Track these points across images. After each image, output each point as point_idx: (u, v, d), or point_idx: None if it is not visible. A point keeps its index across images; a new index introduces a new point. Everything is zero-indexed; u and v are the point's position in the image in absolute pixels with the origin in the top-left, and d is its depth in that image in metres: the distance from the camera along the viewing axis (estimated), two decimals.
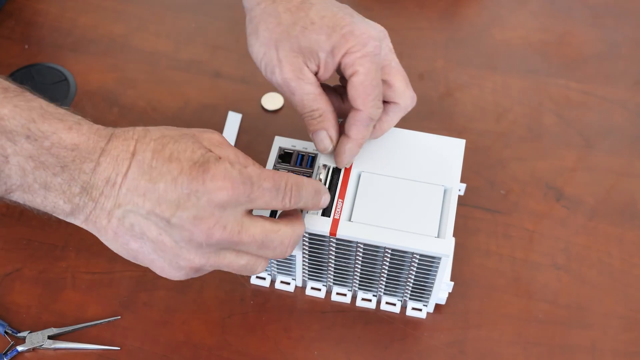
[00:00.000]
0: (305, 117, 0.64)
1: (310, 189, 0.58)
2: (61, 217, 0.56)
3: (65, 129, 0.53)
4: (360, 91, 0.62)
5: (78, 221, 0.56)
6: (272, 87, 0.83)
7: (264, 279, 0.70)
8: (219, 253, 0.56)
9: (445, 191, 0.65)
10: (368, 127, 0.64)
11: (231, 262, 0.57)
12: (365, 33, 0.61)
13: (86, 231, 0.72)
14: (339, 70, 0.64)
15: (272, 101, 0.83)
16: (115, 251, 0.57)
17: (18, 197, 0.54)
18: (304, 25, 0.61)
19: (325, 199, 0.60)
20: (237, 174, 0.54)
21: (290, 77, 0.62)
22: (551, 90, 0.85)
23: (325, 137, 0.64)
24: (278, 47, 0.62)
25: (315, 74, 0.63)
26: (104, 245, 0.71)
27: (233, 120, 0.81)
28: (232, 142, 0.79)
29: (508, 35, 0.89)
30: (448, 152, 0.67)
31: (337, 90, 0.67)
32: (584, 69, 0.87)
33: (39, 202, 0.54)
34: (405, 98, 0.65)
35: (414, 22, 0.90)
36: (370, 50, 0.61)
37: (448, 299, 0.69)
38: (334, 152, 0.65)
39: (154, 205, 0.53)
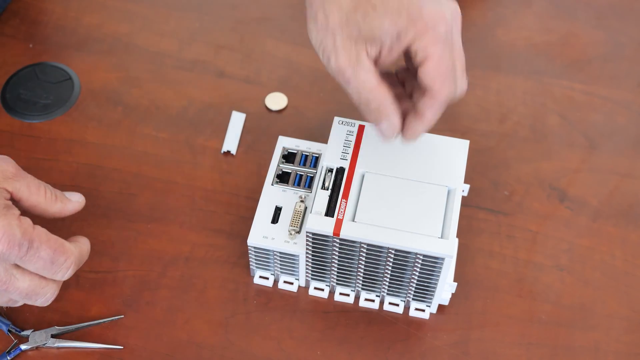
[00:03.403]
0: (361, 108, 0.60)
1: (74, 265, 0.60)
2: None
3: None
4: (436, 78, 0.58)
5: None
6: (275, 87, 0.83)
7: (267, 278, 0.70)
8: None
9: (448, 192, 0.65)
10: (443, 108, 0.60)
11: None
12: (437, 13, 0.56)
13: (89, 230, 0.72)
14: (405, 54, 0.60)
15: (275, 101, 0.83)
16: None
17: None
18: (364, 11, 0.56)
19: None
20: (19, 233, 0.56)
21: (345, 66, 0.58)
22: (555, 91, 0.85)
23: (388, 128, 0.61)
24: (335, 34, 0.58)
25: (377, 60, 0.59)
26: (108, 245, 0.72)
27: (237, 120, 0.81)
28: (236, 142, 0.79)
29: (512, 36, 0.89)
30: (452, 152, 0.67)
31: (398, 75, 0.64)
32: (587, 70, 0.86)
33: None
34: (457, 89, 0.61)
35: None
36: (440, 32, 0.57)
37: (451, 299, 0.69)
38: (405, 127, 0.61)
39: None
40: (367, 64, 0.58)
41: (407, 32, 0.56)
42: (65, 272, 0.59)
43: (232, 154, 0.78)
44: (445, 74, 0.58)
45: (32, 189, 0.60)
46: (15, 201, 0.60)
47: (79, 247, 0.61)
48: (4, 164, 0.59)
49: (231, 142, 0.79)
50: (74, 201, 0.63)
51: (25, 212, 0.60)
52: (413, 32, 0.56)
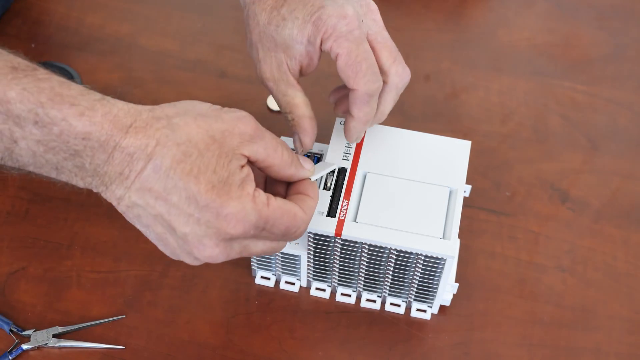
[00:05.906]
0: (284, 115, 0.64)
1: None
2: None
3: (75, 116, 0.51)
4: (348, 72, 0.61)
5: (94, 190, 0.55)
6: None
7: (269, 279, 0.70)
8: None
9: (450, 192, 0.65)
10: (369, 103, 0.62)
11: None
12: (334, 14, 0.60)
13: (92, 230, 0.73)
14: None
15: None
16: None
17: (33, 171, 0.54)
18: (276, 23, 0.61)
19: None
20: (254, 217, 0.54)
21: (267, 77, 0.63)
22: (557, 92, 0.85)
23: (297, 141, 0.64)
24: (259, 48, 0.63)
25: (301, 70, 0.63)
26: (110, 245, 0.72)
27: None
28: None
29: (514, 37, 0.89)
30: (454, 153, 0.67)
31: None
32: (589, 71, 0.86)
33: (53, 176, 0.54)
34: (392, 75, 0.63)
35: (420, 24, 0.90)
36: (342, 31, 0.60)
37: (453, 300, 0.69)
38: (344, 128, 0.65)
39: (165, 211, 0.53)
40: (288, 76, 0.63)
41: (315, 37, 0.61)
42: (295, 239, 0.59)
43: None
44: (355, 67, 0.60)
45: (269, 150, 0.57)
46: (250, 163, 0.57)
47: (309, 209, 0.59)
48: (242, 126, 0.55)
49: None
50: (306, 169, 0.60)
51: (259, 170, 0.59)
52: (320, 36, 0.60)
